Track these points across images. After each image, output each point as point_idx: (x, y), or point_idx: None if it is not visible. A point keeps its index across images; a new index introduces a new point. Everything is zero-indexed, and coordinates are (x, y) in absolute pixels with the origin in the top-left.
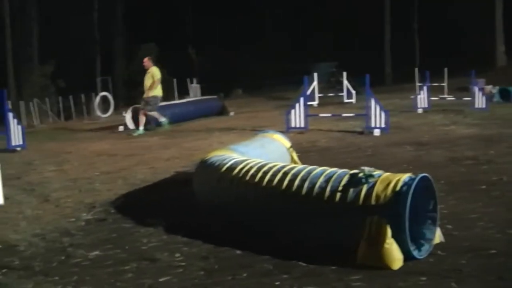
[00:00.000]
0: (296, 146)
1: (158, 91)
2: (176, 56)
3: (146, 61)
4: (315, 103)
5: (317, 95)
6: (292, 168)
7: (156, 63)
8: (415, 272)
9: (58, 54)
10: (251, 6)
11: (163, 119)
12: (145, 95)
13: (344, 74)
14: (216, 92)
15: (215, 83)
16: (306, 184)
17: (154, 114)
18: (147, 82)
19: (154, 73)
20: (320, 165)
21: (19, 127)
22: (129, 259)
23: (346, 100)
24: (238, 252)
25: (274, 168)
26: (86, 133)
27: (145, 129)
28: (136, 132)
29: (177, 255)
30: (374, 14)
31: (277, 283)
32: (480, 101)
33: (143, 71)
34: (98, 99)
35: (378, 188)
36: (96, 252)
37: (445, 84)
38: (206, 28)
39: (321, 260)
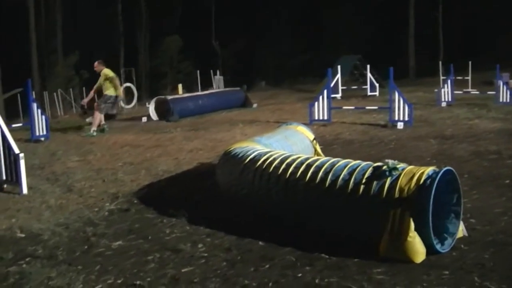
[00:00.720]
0: (319, 139)
1: (111, 91)
2: (200, 48)
3: (96, 65)
4: (338, 95)
5: (340, 87)
6: (315, 161)
7: (107, 65)
8: (438, 266)
9: (82, 45)
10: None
11: (98, 128)
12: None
13: (368, 67)
14: (239, 84)
15: (238, 75)
16: (329, 177)
17: (101, 116)
18: (101, 83)
19: (106, 73)
20: (344, 158)
21: (43, 117)
22: (152, 250)
23: (369, 93)
24: (261, 243)
25: (298, 160)
26: (110, 123)
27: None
28: (88, 133)
29: (200, 246)
30: (400, 7)
31: (299, 275)
32: (504, 95)
33: (167, 63)
34: (121, 90)
35: (401, 181)
36: (119, 242)
37: (469, 78)
38: (231, 21)
39: (344, 253)
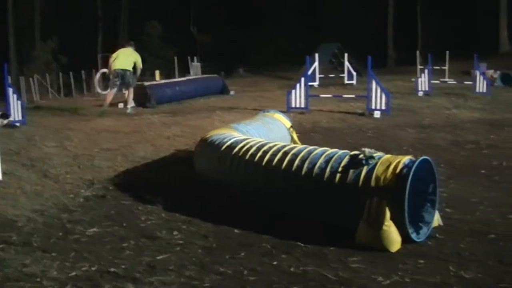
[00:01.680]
0: (297, 127)
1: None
2: (179, 35)
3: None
4: (315, 83)
5: (318, 75)
6: (292, 148)
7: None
8: (414, 254)
9: (61, 30)
10: None
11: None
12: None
13: (346, 55)
14: (218, 71)
15: (218, 62)
16: (306, 165)
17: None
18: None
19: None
20: (321, 146)
21: (19, 102)
22: (127, 237)
23: (347, 82)
24: (238, 231)
25: (274, 148)
26: (87, 109)
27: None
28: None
29: (176, 233)
30: None
31: (275, 263)
32: (481, 85)
33: (147, 49)
34: (98, 76)
35: (378, 170)
36: (95, 229)
37: (446, 67)
38: (211, 7)
39: (321, 241)
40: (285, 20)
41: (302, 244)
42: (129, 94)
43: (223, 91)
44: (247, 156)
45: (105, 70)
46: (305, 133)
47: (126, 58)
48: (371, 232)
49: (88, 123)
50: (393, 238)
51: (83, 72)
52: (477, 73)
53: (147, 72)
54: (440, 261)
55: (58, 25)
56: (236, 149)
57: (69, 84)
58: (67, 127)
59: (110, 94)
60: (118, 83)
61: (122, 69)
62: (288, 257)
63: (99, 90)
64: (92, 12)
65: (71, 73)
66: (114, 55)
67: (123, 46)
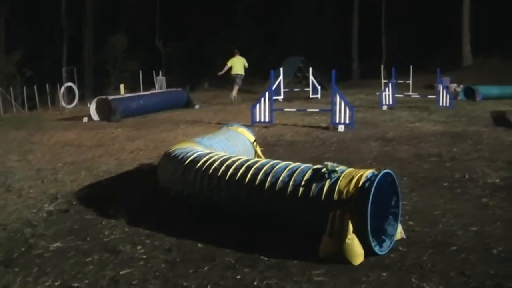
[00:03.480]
0: (261, 140)
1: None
2: (145, 48)
3: (236, 52)
4: (280, 97)
5: (282, 89)
6: (255, 162)
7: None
8: (377, 267)
9: (25, 43)
10: None
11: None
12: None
13: (310, 69)
14: (183, 85)
15: (182, 75)
16: (269, 179)
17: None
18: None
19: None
20: (285, 160)
21: None
22: (91, 251)
23: (311, 96)
24: (201, 245)
25: (238, 162)
26: (51, 123)
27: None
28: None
29: (139, 247)
30: (344, 9)
31: (238, 276)
32: (444, 99)
33: (109, 61)
34: (63, 89)
35: (341, 183)
36: (58, 244)
37: (410, 81)
38: (176, 21)
39: (284, 254)
40: (242, 29)
41: (265, 258)
42: (235, 88)
43: (188, 104)
44: (211, 170)
45: (70, 83)
46: (269, 147)
47: (240, 64)
48: (334, 245)
49: (51, 137)
50: (356, 251)
51: (47, 85)
52: (440, 87)
53: (112, 85)
54: (402, 273)
55: (22, 37)
56: (200, 163)
57: (33, 98)
58: (30, 141)
59: (235, 88)
60: (238, 80)
61: (238, 73)
62: (251, 270)
63: (63, 103)
64: (56, 25)
65: (35, 86)
66: (229, 63)
67: (233, 55)
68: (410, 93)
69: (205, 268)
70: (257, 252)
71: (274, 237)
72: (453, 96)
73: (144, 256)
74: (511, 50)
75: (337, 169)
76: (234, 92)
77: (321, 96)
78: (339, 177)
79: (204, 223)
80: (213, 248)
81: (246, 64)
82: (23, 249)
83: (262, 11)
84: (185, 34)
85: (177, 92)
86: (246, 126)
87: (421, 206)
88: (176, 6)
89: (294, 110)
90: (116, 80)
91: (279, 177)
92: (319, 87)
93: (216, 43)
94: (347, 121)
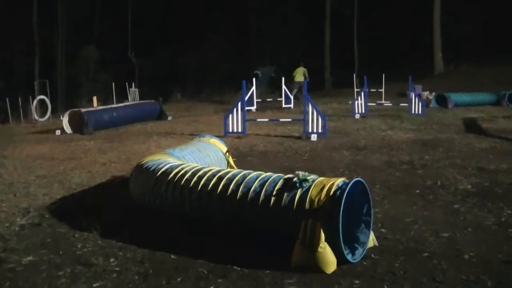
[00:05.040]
0: (234, 151)
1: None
2: (118, 60)
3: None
4: (253, 108)
5: (255, 100)
6: (227, 173)
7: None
8: (349, 275)
9: None
10: (193, 9)
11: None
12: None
13: (283, 79)
14: (156, 96)
15: (155, 87)
16: (241, 189)
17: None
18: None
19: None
20: (258, 170)
21: None
22: (63, 264)
23: (284, 105)
24: (174, 256)
25: (209, 173)
26: (24, 136)
27: None
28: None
29: (112, 259)
30: (315, 18)
31: (211, 287)
32: (416, 107)
33: (84, 74)
34: (35, 102)
35: (312, 192)
36: (30, 257)
37: (382, 90)
38: (148, 32)
39: (257, 264)
40: (214, 42)
41: (238, 268)
42: (294, 91)
43: (161, 116)
44: (182, 181)
45: (43, 96)
46: (241, 157)
47: (301, 74)
48: (307, 254)
49: (23, 150)
50: (329, 259)
51: (19, 98)
52: (413, 95)
53: (84, 98)
54: (375, 281)
55: None
56: (172, 174)
57: (5, 111)
58: (2, 155)
59: (294, 92)
60: (296, 90)
61: (300, 81)
62: (224, 281)
63: (36, 116)
64: (28, 37)
65: (7, 99)
66: (294, 72)
67: (298, 66)
68: (383, 102)
69: (178, 280)
70: (230, 262)
71: (246, 247)
72: (425, 103)
73: (117, 269)
74: (481, 57)
75: (308, 178)
76: (298, 94)
77: (294, 106)
78: (310, 186)
79: (176, 234)
80: (186, 259)
81: (307, 74)
82: None
83: (232, 24)
84: (158, 46)
85: (150, 103)
86: (218, 137)
87: (393, 213)
88: (148, 19)
89: (267, 120)
90: (89, 92)
91: (250, 187)
92: (291, 97)
93: (189, 55)
94: (320, 130)
